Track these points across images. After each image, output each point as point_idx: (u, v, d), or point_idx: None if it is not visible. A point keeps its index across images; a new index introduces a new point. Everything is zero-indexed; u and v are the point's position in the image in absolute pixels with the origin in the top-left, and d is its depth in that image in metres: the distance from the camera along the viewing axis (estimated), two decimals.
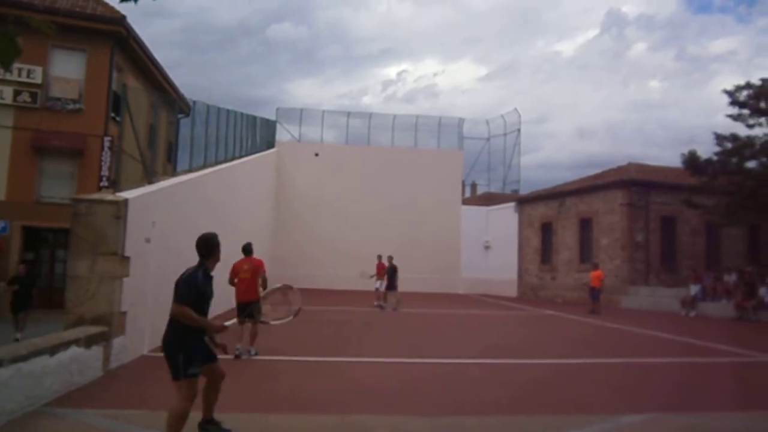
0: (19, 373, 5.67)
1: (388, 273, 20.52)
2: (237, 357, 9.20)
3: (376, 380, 8.27)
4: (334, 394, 7.31)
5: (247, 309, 9.35)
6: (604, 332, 15.47)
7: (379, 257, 21.33)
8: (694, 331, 15.39)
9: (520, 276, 31.83)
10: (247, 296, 9.37)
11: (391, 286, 20.46)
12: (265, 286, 9.62)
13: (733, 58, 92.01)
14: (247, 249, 10.06)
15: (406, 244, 30.06)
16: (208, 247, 5.14)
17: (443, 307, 22.41)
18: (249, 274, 9.64)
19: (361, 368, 9.18)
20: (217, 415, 5.89)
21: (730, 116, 22.14)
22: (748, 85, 21.75)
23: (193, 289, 4.88)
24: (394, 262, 20.71)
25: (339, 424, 5.89)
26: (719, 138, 22.22)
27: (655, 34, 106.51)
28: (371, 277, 21.24)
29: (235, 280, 9.71)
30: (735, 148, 21.88)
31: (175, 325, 4.95)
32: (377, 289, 21.05)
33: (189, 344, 4.91)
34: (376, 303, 20.56)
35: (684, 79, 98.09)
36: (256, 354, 9.49)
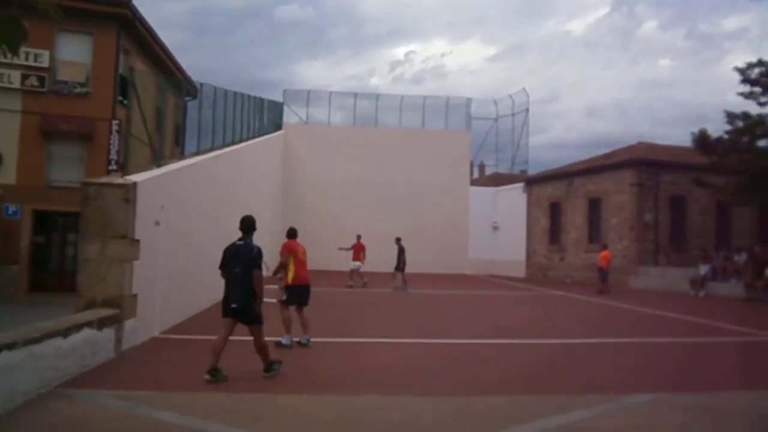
0: (33, 355, 5.74)
1: (398, 253, 20.60)
2: (303, 345, 8.84)
3: (384, 361, 8.33)
4: (342, 374, 7.38)
5: (304, 292, 9.10)
6: (612, 312, 15.48)
7: (359, 237, 21.45)
8: (703, 311, 15.38)
9: (528, 256, 31.81)
10: (306, 278, 9.08)
11: (399, 266, 20.55)
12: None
13: (745, 36, 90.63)
14: (293, 233, 9.47)
15: (414, 225, 30.05)
16: (251, 225, 7.02)
17: (451, 288, 22.47)
18: (305, 256, 9.23)
19: (370, 349, 9.24)
20: (228, 396, 5.99)
21: (742, 94, 21.87)
22: (760, 63, 21.41)
23: None
24: (402, 243, 20.85)
25: (347, 405, 5.94)
26: (730, 116, 21.98)
27: (666, 12, 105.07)
28: (340, 249, 21.63)
29: (290, 261, 9.00)
30: (746, 127, 21.65)
31: (250, 286, 6.60)
32: (352, 270, 21.12)
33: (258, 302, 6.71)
34: (350, 283, 20.59)
35: (695, 58, 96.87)
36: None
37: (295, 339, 8.93)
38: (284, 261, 9.02)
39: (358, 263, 21.13)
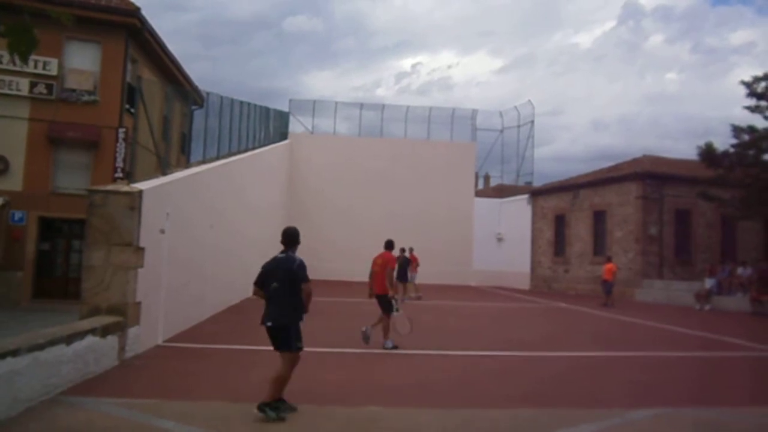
0: (37, 362, 5.74)
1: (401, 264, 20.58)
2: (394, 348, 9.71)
3: (389, 372, 8.30)
4: (346, 385, 7.35)
5: (380, 301, 9.98)
6: (617, 326, 15.40)
7: (411, 249, 21.47)
8: (708, 325, 15.28)
9: (532, 268, 31.73)
10: (376, 289, 9.99)
11: (403, 277, 20.50)
12: (391, 282, 9.95)
13: (751, 50, 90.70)
14: (386, 244, 10.50)
15: (419, 236, 29.99)
16: (294, 238, 6.25)
17: (455, 299, 22.40)
18: (379, 268, 10.03)
19: (374, 360, 9.21)
20: (231, 405, 5.96)
21: (748, 108, 21.86)
22: (766, 77, 21.38)
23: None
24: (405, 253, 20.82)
25: (350, 416, 5.92)
26: (736, 130, 21.96)
27: (673, 26, 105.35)
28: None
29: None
30: (752, 140, 21.61)
31: (292, 302, 5.87)
32: (413, 283, 21.24)
33: (300, 320, 5.93)
34: (414, 295, 20.69)
35: (701, 71, 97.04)
36: (394, 348, 9.74)
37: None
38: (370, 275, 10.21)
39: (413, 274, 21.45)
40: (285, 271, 5.91)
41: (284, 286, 5.86)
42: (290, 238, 6.22)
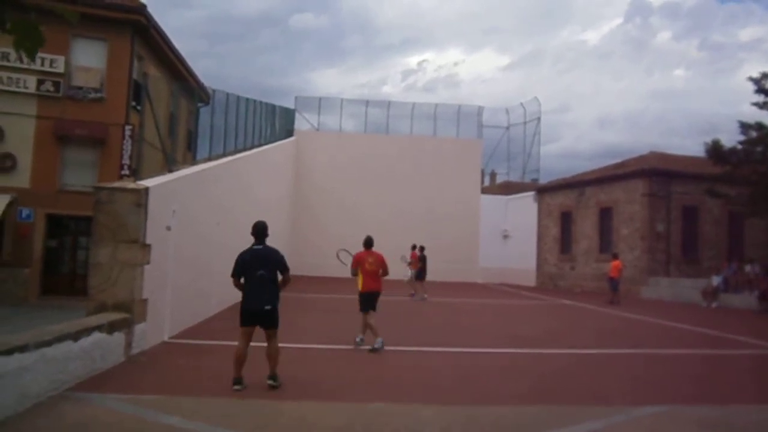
0: (44, 358, 5.78)
1: (420, 262, 20.38)
2: (357, 346, 9.55)
3: (393, 369, 8.31)
4: (350, 382, 7.36)
5: (372, 299, 9.70)
6: (623, 323, 15.36)
7: (414, 247, 21.18)
8: (715, 323, 15.22)
9: (538, 265, 31.67)
10: (372, 286, 9.65)
11: (421, 275, 20.34)
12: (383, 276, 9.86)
13: (760, 47, 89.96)
14: (369, 242, 9.99)
15: (425, 233, 30.01)
16: (266, 230, 7.04)
17: (462, 296, 22.38)
18: (374, 266, 9.69)
19: (378, 357, 9.21)
20: (235, 402, 5.99)
21: (756, 104, 21.72)
22: None
23: None
24: (425, 252, 20.61)
25: (354, 412, 5.93)
26: (744, 126, 21.85)
27: (680, 23, 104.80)
28: (409, 264, 20.99)
29: (358, 271, 9.67)
30: (760, 137, 21.49)
31: (276, 287, 6.83)
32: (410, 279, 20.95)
33: None
34: (412, 293, 20.45)
35: (709, 68, 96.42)
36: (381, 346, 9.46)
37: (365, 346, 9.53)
38: (352, 272, 9.78)
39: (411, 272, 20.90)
40: (273, 260, 6.84)
41: (272, 274, 6.79)
42: (262, 231, 6.98)
